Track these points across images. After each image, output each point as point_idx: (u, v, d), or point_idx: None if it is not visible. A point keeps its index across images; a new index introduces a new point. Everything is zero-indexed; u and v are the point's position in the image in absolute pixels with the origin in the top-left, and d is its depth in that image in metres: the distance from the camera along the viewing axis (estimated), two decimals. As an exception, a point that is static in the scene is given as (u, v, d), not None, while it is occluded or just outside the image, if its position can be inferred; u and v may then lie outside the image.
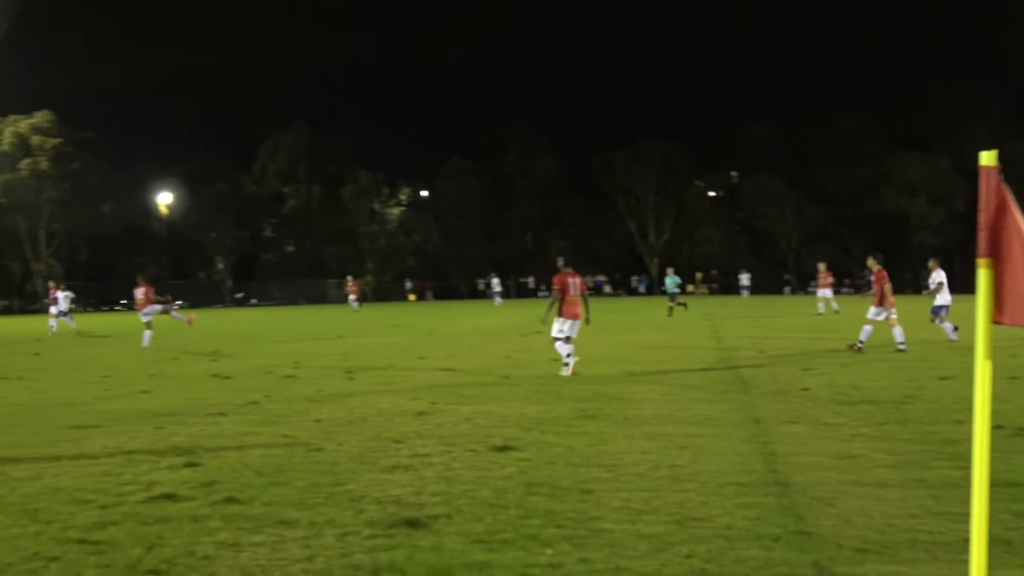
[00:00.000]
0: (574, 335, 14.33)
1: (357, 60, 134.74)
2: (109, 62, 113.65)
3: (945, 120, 73.52)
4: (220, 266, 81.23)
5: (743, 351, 17.97)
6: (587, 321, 14.51)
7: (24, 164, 64.68)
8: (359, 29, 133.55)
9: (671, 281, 36.33)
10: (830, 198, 75.68)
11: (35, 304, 68.62)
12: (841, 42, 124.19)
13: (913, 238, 72.98)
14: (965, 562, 4.88)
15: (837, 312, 32.37)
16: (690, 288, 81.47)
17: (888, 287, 17.44)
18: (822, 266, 35.02)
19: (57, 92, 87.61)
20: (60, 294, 32.60)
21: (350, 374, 15.03)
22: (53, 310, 32.92)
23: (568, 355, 14.07)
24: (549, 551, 5.12)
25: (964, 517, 5.63)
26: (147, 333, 22.83)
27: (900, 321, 17.36)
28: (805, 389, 11.81)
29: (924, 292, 19.82)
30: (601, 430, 8.97)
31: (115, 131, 75.34)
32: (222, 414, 10.62)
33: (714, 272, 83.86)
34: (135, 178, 74.27)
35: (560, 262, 14.67)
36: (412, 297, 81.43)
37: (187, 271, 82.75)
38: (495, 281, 54.12)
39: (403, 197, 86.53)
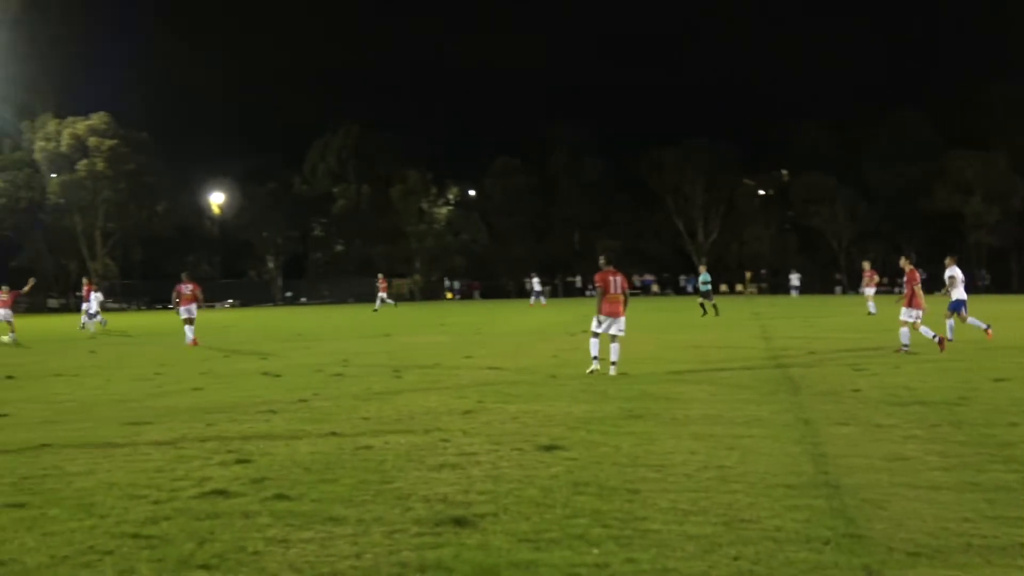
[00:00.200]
0: (619, 333, 14.33)
1: (405, 60, 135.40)
2: (162, 63, 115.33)
3: (1001, 117, 72.08)
4: (271, 265, 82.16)
5: (793, 351, 17.77)
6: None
7: (81, 165, 65.94)
8: (409, 30, 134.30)
9: (702, 279, 35.91)
10: (882, 196, 74.52)
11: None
12: (895, 38, 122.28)
13: (968, 237, 71.67)
14: (1021, 568, 4.80)
15: (872, 313, 31.77)
16: (739, 288, 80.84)
17: (917, 288, 17.25)
18: (867, 265, 34.48)
19: (112, 94, 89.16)
20: (93, 293, 33.09)
21: (398, 372, 15.12)
22: (85, 306, 33.48)
23: (596, 357, 14.27)
24: (595, 551, 5.11)
25: (1020, 521, 5.54)
26: (189, 329, 23.22)
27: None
28: (856, 390, 11.66)
29: (942, 292, 19.77)
30: (648, 430, 8.93)
31: (169, 132, 76.22)
32: (272, 411, 10.74)
33: (763, 271, 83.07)
34: (188, 178, 75.44)
35: (601, 260, 14.82)
36: (449, 296, 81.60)
37: (238, 270, 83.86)
38: (535, 281, 54.19)
39: (451, 196, 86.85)
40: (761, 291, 79.56)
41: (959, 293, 18.94)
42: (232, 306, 73.25)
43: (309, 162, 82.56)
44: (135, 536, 5.53)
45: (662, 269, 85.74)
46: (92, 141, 66.35)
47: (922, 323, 17.20)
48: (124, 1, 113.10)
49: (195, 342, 22.86)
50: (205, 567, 4.97)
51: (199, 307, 24.03)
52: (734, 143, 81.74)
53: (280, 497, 6.40)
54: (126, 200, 68.71)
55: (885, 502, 6.00)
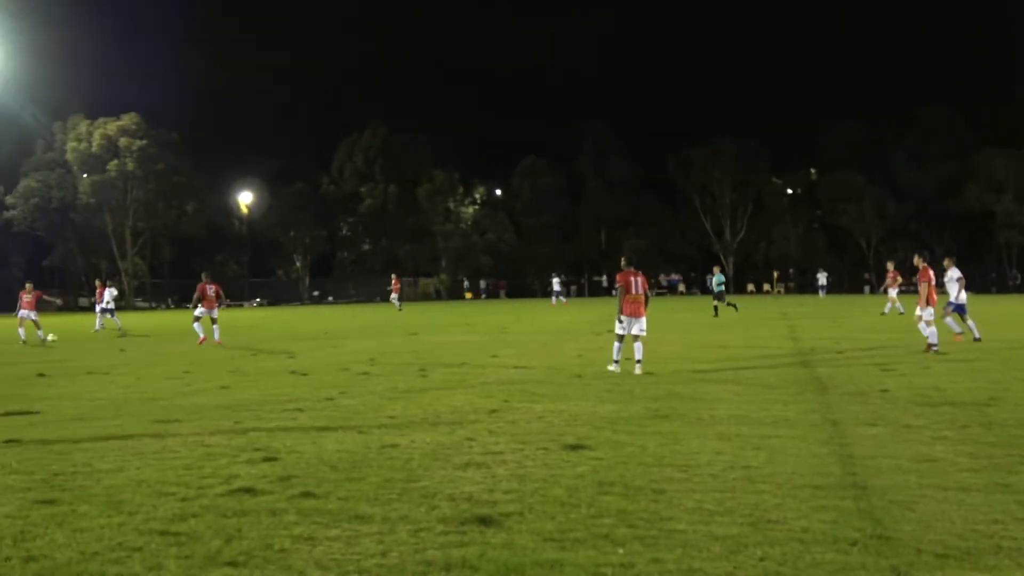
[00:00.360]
0: (641, 333, 14.36)
1: (432, 60, 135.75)
2: (192, 65, 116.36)
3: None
4: (298, 264, 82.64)
5: (820, 351, 17.65)
6: None
7: (112, 165, 66.63)
8: (433, 30, 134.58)
9: (716, 280, 35.60)
10: (911, 195, 73.83)
11: (121, 301, 70.62)
12: (923, 37, 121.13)
13: (999, 236, 70.88)
14: (1051, 570, 4.74)
15: (884, 314, 31.46)
16: (766, 287, 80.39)
17: (927, 286, 17.29)
18: (891, 265, 34.17)
19: (143, 95, 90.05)
20: (107, 291, 33.28)
21: (424, 371, 15.16)
22: (99, 307, 33.55)
23: (617, 360, 14.36)
24: (621, 551, 5.10)
25: (1051, 524, 5.47)
26: (207, 328, 23.40)
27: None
28: (884, 390, 11.56)
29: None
30: (674, 430, 8.90)
31: (198, 132, 77.05)
32: (299, 410, 10.80)
33: (791, 271, 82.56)
34: (217, 178, 76.09)
35: (623, 261, 14.92)
36: (468, 295, 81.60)
37: (266, 270, 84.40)
38: (555, 280, 54.30)
39: (477, 196, 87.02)
40: (788, 291, 79.13)
41: (960, 297, 18.84)
42: (260, 305, 73.76)
43: (337, 162, 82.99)
44: (163, 533, 5.58)
45: (689, 269, 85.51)
46: (123, 141, 67.04)
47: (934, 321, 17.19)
48: (155, 3, 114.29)
49: (208, 341, 23.09)
50: (232, 564, 5.01)
51: (220, 307, 24.11)
52: (762, 142, 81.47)
53: (307, 495, 6.44)
54: (156, 200, 69.42)
55: (913, 503, 5.95)
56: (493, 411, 10.38)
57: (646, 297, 14.53)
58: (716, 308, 33.96)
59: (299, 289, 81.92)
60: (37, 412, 11.13)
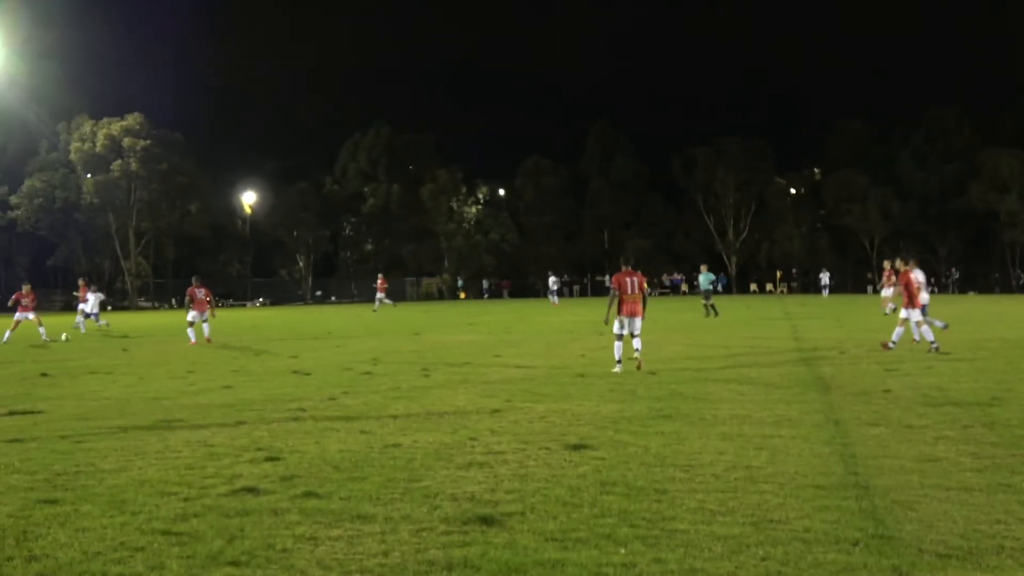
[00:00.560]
0: (636, 331, 14.57)
1: (435, 60, 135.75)
2: (195, 65, 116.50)
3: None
4: (301, 264, 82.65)
5: (823, 351, 17.64)
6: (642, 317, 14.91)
7: (115, 165, 66.69)
8: (437, 30, 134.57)
9: (704, 279, 35.53)
10: (916, 195, 73.73)
11: (124, 301, 70.76)
12: (925, 37, 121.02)
13: (1003, 236, 70.79)
14: (1053, 570, 4.74)
15: (887, 315, 31.36)
16: (769, 287, 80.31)
17: (912, 288, 17.49)
18: (887, 265, 34.10)
19: (146, 95, 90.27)
20: (91, 294, 32.88)
21: (426, 371, 15.16)
22: (82, 307, 33.04)
23: (619, 360, 14.45)
24: (623, 550, 5.10)
25: (1053, 524, 5.46)
26: (202, 328, 23.70)
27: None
28: (887, 390, 11.55)
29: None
30: (677, 430, 8.90)
31: (201, 132, 77.28)
32: (302, 410, 10.81)
33: (794, 271, 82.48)
34: (220, 179, 76.11)
35: (621, 261, 15.27)
36: (462, 295, 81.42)
37: (269, 269, 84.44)
38: (552, 280, 54.52)
39: (481, 196, 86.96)
40: (791, 291, 79.02)
41: (922, 297, 18.92)
42: (262, 305, 73.80)
43: (340, 162, 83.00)
44: (165, 533, 5.59)
45: (693, 269, 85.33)
46: (126, 142, 67.08)
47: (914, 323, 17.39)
48: (160, 4, 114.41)
49: (200, 341, 23.35)
50: (234, 564, 5.01)
51: (212, 308, 24.49)
52: (766, 142, 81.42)
53: (309, 495, 6.44)
54: (159, 200, 69.46)
55: (916, 503, 5.95)
56: (495, 411, 10.38)
57: (644, 297, 14.65)
58: (706, 307, 33.88)
59: (302, 289, 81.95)
60: (40, 411, 11.15)
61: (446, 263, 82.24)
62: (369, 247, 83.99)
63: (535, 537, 5.36)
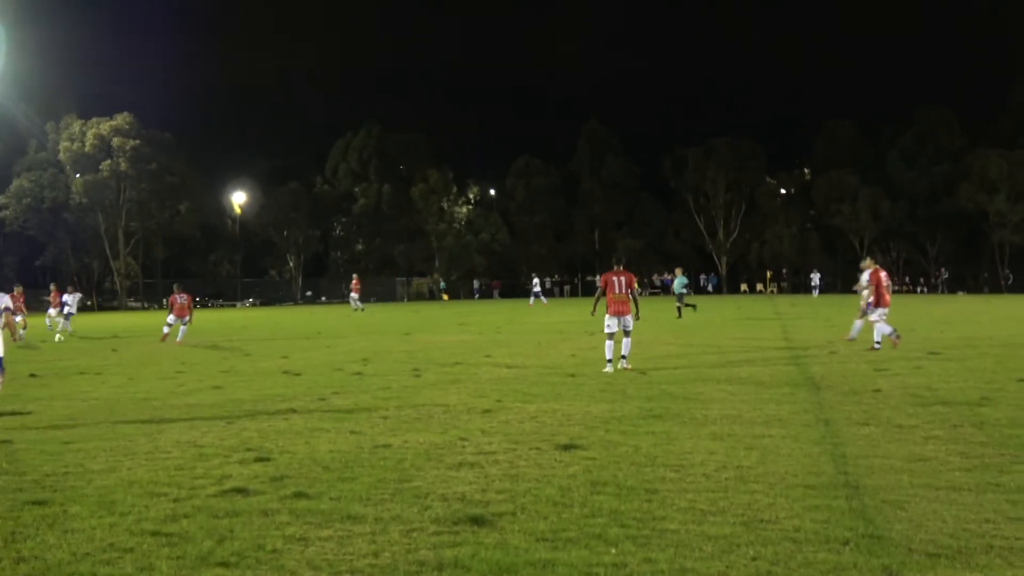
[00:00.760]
0: (629, 327, 14.70)
1: (426, 61, 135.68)
2: (185, 65, 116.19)
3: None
4: (291, 264, 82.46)
5: (814, 351, 17.69)
6: (636, 317, 14.97)
7: (104, 165, 66.39)
8: (428, 30, 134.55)
9: (679, 282, 35.65)
10: (905, 195, 73.97)
11: (113, 301, 70.52)
12: (920, 38, 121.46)
13: (992, 236, 71.08)
14: (1042, 569, 4.76)
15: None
16: (760, 287, 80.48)
17: (882, 288, 17.90)
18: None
19: (136, 94, 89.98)
20: (66, 297, 32.06)
21: (417, 371, 15.15)
22: (52, 311, 32.33)
23: (610, 360, 14.54)
24: (613, 550, 5.10)
25: (1042, 523, 5.49)
26: (174, 331, 24.53)
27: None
28: (877, 390, 11.58)
29: (856, 288, 20.36)
30: (667, 430, 8.91)
31: (191, 132, 76.99)
32: (292, 410, 10.80)
33: (784, 271, 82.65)
34: (210, 178, 75.84)
35: (613, 260, 15.39)
36: (445, 297, 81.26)
37: (259, 269, 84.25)
38: (535, 281, 54.89)
39: (472, 196, 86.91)
40: (782, 291, 79.20)
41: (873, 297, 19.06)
42: (252, 305, 73.63)
43: (331, 162, 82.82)
44: (155, 534, 5.57)
45: (683, 269, 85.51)
46: (116, 141, 66.80)
47: (886, 320, 17.74)
48: (149, 2, 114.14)
49: (170, 341, 24.13)
50: (224, 565, 5.00)
51: (191, 314, 25.06)
52: (756, 142, 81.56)
53: (299, 495, 6.43)
54: (149, 200, 69.16)
55: (905, 503, 5.96)
56: (486, 411, 10.38)
57: (634, 297, 14.72)
58: (679, 308, 33.90)
59: (292, 289, 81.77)
60: (29, 412, 11.10)
61: (437, 263, 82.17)
62: (360, 247, 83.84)
63: (525, 537, 5.36)
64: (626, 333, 14.69)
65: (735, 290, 79.82)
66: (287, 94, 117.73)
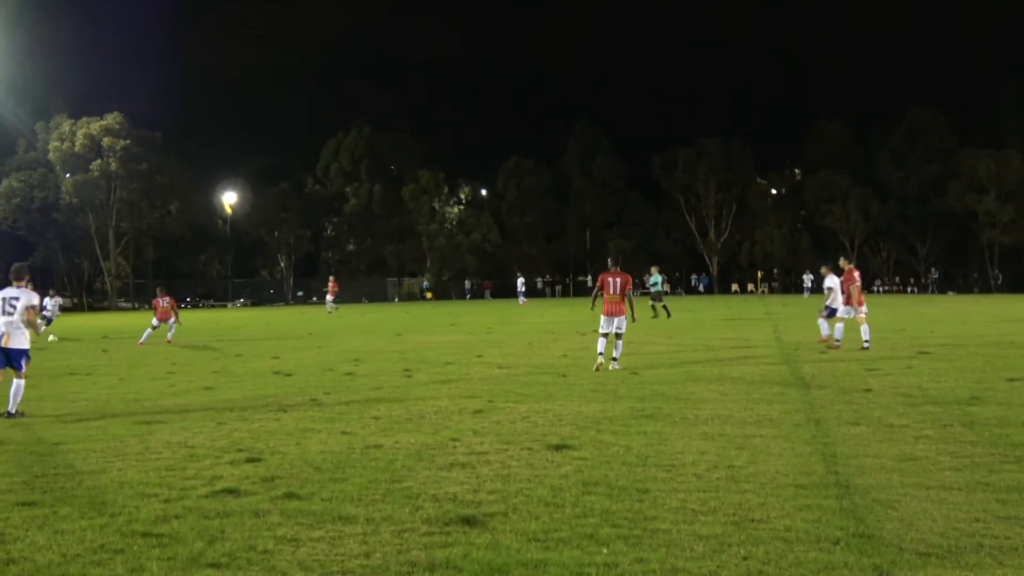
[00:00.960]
0: (621, 330, 14.79)
1: (418, 60, 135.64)
2: (175, 65, 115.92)
3: (1016, 115, 71.78)
4: (282, 264, 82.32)
5: (804, 351, 17.73)
6: (632, 319, 15.09)
7: (95, 165, 66.16)
8: (422, 29, 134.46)
9: (652, 280, 35.64)
10: (895, 195, 74.27)
11: (104, 302, 70.27)
12: (912, 38, 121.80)
13: (982, 236, 71.36)
14: (1032, 568, 4.77)
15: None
16: (751, 287, 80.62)
17: (856, 287, 18.20)
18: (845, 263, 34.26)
19: (126, 94, 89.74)
20: (46, 301, 31.71)
21: (408, 372, 15.14)
22: (44, 313, 32.27)
23: (601, 353, 14.75)
24: (605, 550, 5.11)
25: (1031, 522, 5.51)
26: (149, 332, 24.50)
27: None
28: (868, 390, 11.61)
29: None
30: (659, 430, 8.92)
31: (182, 132, 76.75)
32: (283, 410, 10.77)
33: (775, 271, 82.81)
34: (201, 179, 75.72)
35: (609, 261, 15.42)
36: (429, 295, 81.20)
37: (250, 270, 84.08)
38: (520, 281, 55.00)
39: (463, 196, 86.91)
40: (772, 291, 79.35)
41: (836, 302, 19.26)
42: (243, 305, 73.48)
43: (322, 162, 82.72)
44: (146, 535, 5.55)
45: (674, 269, 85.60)
46: (106, 141, 66.58)
47: (866, 320, 18.03)
48: (139, 2, 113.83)
49: (165, 340, 23.98)
50: (215, 566, 4.99)
51: (176, 316, 24.99)
52: (747, 142, 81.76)
53: (290, 496, 6.42)
54: (139, 200, 68.93)
55: (896, 502, 5.98)
56: (478, 411, 10.38)
57: (629, 298, 14.77)
58: (654, 308, 33.78)
59: (283, 289, 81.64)
60: (19, 413, 11.05)
61: (428, 263, 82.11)
62: (351, 247, 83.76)
63: (517, 537, 5.36)
64: (618, 336, 14.73)
65: (726, 290, 79.93)
66: (278, 94, 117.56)
